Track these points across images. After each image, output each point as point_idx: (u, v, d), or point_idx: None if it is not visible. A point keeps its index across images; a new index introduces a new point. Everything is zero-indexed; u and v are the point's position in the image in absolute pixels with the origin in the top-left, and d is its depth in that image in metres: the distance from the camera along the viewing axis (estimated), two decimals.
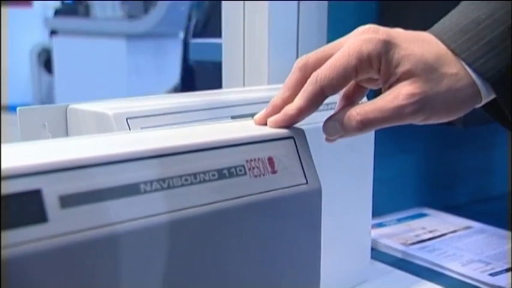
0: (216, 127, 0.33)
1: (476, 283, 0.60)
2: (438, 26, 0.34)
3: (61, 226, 0.25)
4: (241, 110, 0.47)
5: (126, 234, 0.26)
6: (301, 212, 0.33)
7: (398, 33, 0.33)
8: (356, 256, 0.60)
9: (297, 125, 0.34)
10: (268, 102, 0.37)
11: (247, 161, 0.31)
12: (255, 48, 0.65)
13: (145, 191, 0.28)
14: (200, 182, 0.29)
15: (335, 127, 0.34)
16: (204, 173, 0.30)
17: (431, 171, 0.85)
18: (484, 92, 0.33)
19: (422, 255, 0.66)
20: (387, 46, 0.32)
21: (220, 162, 0.30)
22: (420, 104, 0.32)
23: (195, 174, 0.29)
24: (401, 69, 0.32)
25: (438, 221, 0.77)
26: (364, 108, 0.33)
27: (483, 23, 0.32)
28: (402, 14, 0.76)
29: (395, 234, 0.73)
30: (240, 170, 0.31)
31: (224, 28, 0.69)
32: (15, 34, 5.24)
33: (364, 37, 0.32)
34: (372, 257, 0.66)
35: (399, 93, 0.32)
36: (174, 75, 3.47)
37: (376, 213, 0.77)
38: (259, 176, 0.31)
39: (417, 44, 0.33)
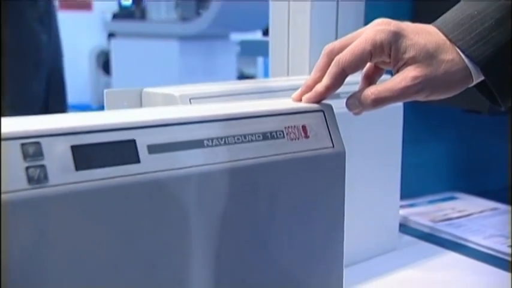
0: (263, 102, 0.43)
1: (495, 253, 0.67)
2: (440, 19, 0.42)
3: (149, 166, 0.34)
4: (285, 94, 0.55)
5: (192, 176, 0.36)
6: (328, 170, 0.42)
7: (406, 26, 0.41)
8: (385, 227, 0.68)
9: (326, 101, 0.43)
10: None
11: (285, 127, 0.40)
12: (298, 42, 0.73)
13: (208, 146, 0.37)
14: (249, 141, 0.38)
15: (354, 103, 0.42)
16: (252, 134, 0.39)
17: (463, 157, 0.92)
18: (475, 74, 0.40)
19: (448, 230, 0.73)
20: (396, 36, 0.40)
21: (264, 127, 0.39)
22: (423, 85, 0.40)
23: (245, 135, 0.38)
24: (407, 56, 0.40)
25: (467, 203, 0.84)
26: (377, 88, 0.41)
27: (475, 17, 0.40)
28: (436, 13, 0.83)
29: (425, 213, 0.80)
30: (280, 134, 0.40)
31: (271, 26, 0.78)
32: (75, 37, 5.50)
33: (378, 28, 0.40)
34: (402, 232, 0.74)
35: (406, 76, 0.40)
36: (224, 75, 3.58)
37: (409, 196, 0.85)
38: (295, 139, 0.40)
39: (421, 35, 0.40)
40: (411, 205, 0.82)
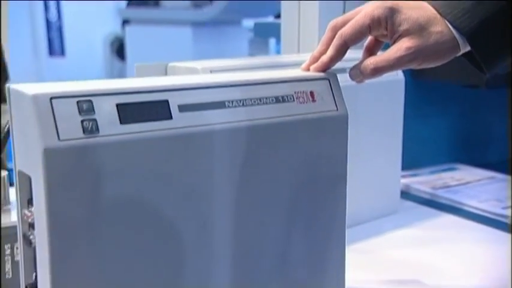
0: (275, 71, 0.49)
1: (489, 214, 0.73)
2: None
3: (179, 122, 0.41)
4: (295, 68, 0.62)
5: (215, 131, 0.42)
6: (332, 130, 0.48)
7: (402, 3, 0.47)
8: (386, 191, 0.74)
9: (331, 71, 0.49)
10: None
11: (295, 92, 0.46)
12: (308, 23, 0.79)
13: (229, 107, 0.43)
14: (264, 103, 0.45)
15: (356, 73, 0.48)
16: (266, 98, 0.45)
17: (463, 131, 0.97)
18: (462, 44, 0.46)
19: (446, 195, 0.79)
20: (392, 11, 0.46)
21: (277, 92, 0.46)
22: (415, 54, 0.46)
23: (260, 98, 0.45)
24: (402, 28, 0.46)
25: (466, 173, 0.89)
26: (376, 59, 0.47)
27: None
28: None
29: (426, 182, 0.86)
30: (290, 98, 0.46)
31: (283, 8, 0.84)
32: (90, 24, 5.58)
33: (376, 4, 0.46)
34: (403, 198, 0.80)
35: (400, 47, 0.46)
36: None
37: (412, 166, 0.91)
38: (303, 103, 0.47)
39: (414, 10, 0.46)
40: (413, 175, 0.88)
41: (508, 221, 0.71)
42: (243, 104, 0.44)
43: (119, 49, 5.83)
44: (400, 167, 0.75)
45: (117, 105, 0.39)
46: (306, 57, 0.70)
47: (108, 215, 0.38)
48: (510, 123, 0.94)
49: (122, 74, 5.71)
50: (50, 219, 0.37)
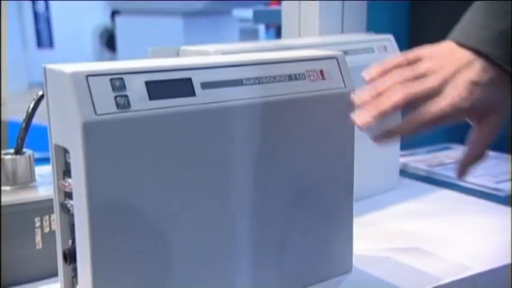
0: (287, 52, 0.52)
1: (482, 188, 0.77)
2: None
3: (202, 99, 0.44)
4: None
5: (234, 107, 0.45)
6: (340, 106, 0.51)
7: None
8: (386, 169, 0.78)
9: (336, 52, 0.52)
10: (318, 46, 0.55)
11: (306, 70, 0.50)
12: (308, 7, 0.83)
13: (246, 84, 0.46)
14: (278, 81, 0.48)
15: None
16: (280, 76, 0.48)
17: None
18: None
19: (442, 172, 0.83)
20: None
21: (290, 70, 0.49)
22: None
23: (274, 77, 0.48)
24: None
25: (460, 152, 0.93)
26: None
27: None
28: (431, 12, 0.90)
29: (423, 160, 0.90)
30: (302, 76, 0.49)
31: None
32: (78, 15, 5.56)
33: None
34: (402, 175, 0.84)
35: (492, 130, 0.51)
36: None
37: (410, 146, 0.95)
38: (314, 80, 0.50)
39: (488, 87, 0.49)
40: (411, 154, 0.92)
41: (502, 194, 0.75)
42: (258, 81, 0.47)
43: (108, 40, 5.81)
44: (399, 146, 0.79)
45: (146, 83, 0.42)
46: (308, 40, 0.74)
47: (139, 182, 0.42)
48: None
49: None
50: (89, 188, 0.40)
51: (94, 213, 0.40)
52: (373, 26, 0.87)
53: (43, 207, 0.52)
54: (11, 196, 0.53)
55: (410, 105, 0.49)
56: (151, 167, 0.42)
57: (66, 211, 0.44)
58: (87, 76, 0.40)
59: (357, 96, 0.50)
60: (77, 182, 0.41)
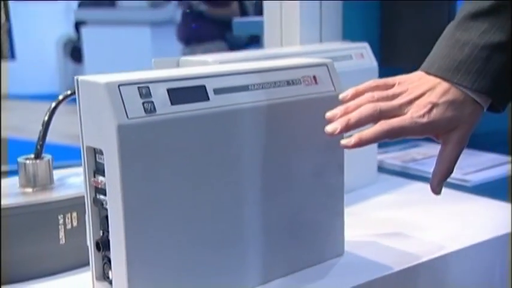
0: (286, 60, 0.59)
1: (452, 180, 0.85)
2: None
3: (215, 103, 0.50)
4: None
5: (242, 109, 0.52)
6: (331, 106, 0.58)
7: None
8: (366, 166, 0.85)
9: (326, 59, 0.59)
10: (302, 55, 0.62)
11: (302, 76, 0.56)
12: (290, 17, 0.90)
13: (251, 89, 0.53)
14: (278, 86, 0.55)
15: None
16: (280, 81, 0.55)
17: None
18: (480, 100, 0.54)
19: (415, 166, 0.91)
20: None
21: (288, 76, 0.56)
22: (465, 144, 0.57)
23: (275, 82, 0.55)
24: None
25: (429, 149, 1.02)
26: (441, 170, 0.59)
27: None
28: (401, 21, 0.98)
29: (397, 157, 0.98)
30: (298, 81, 0.56)
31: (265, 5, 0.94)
32: (40, 26, 5.51)
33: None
34: (379, 171, 0.91)
35: (453, 148, 0.57)
36: None
37: (383, 145, 1.03)
38: (309, 85, 0.57)
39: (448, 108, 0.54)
40: (385, 152, 1.00)
41: (469, 184, 0.84)
42: (262, 87, 0.54)
43: (73, 51, 5.77)
44: (377, 145, 0.87)
45: (168, 90, 0.48)
46: (292, 49, 0.81)
47: (164, 176, 0.48)
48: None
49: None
50: (123, 184, 0.45)
51: (127, 206, 0.46)
52: (348, 34, 0.95)
53: (65, 206, 0.57)
54: (34, 197, 0.58)
55: (376, 121, 0.54)
56: (174, 162, 0.48)
57: (99, 205, 0.49)
58: (119, 85, 0.46)
59: (330, 112, 0.54)
60: (111, 179, 0.46)
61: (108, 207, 0.47)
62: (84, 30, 4.17)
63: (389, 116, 0.54)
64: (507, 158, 0.93)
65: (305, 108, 0.56)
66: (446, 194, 0.82)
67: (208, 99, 0.50)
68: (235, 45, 2.93)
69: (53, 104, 0.61)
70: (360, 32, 0.96)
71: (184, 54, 2.96)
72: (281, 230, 0.56)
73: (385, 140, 0.54)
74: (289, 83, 0.56)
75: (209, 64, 0.66)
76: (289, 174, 0.56)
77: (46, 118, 0.61)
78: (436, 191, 0.59)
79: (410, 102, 0.55)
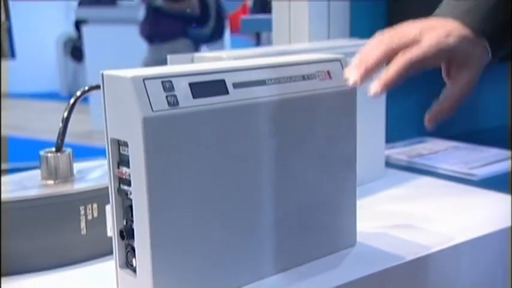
0: (300, 56, 0.60)
1: (458, 174, 0.87)
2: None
3: (234, 97, 0.52)
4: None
5: (259, 103, 0.53)
6: (344, 101, 0.60)
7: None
8: (374, 160, 0.87)
9: (339, 55, 0.61)
10: (312, 51, 0.63)
11: (316, 71, 0.58)
12: (298, 14, 0.91)
13: (268, 84, 0.55)
14: (294, 81, 0.56)
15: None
16: (296, 76, 0.57)
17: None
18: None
19: (421, 161, 0.93)
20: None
21: (303, 71, 0.57)
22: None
23: (291, 77, 0.56)
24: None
25: (434, 144, 1.04)
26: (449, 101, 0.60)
27: None
28: (408, 9, 1.00)
29: (403, 152, 1.00)
30: (313, 76, 0.58)
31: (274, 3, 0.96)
32: (40, 25, 5.52)
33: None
34: (386, 166, 0.93)
35: (462, 85, 0.59)
36: None
37: (389, 141, 1.04)
38: (323, 79, 0.58)
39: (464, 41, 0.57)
40: (391, 147, 1.02)
41: (475, 178, 0.85)
42: (278, 81, 0.55)
43: (73, 50, 5.78)
44: (384, 140, 0.88)
45: (190, 84, 0.50)
46: (299, 46, 0.83)
47: (187, 166, 0.49)
48: (510, 97, 1.09)
49: (76, 75, 5.68)
50: (148, 174, 0.47)
51: (152, 195, 0.47)
52: (355, 32, 0.96)
53: (86, 197, 0.59)
54: (56, 188, 0.60)
55: (394, 56, 0.56)
56: (195, 153, 0.50)
57: (123, 195, 0.51)
58: (144, 79, 0.47)
59: (347, 68, 0.57)
60: (136, 169, 0.48)
61: (132, 197, 0.49)
62: (85, 29, 4.18)
63: (406, 48, 0.55)
64: (508, 153, 0.95)
65: (319, 103, 0.58)
66: (453, 187, 0.84)
67: (228, 93, 0.52)
68: (199, 41, 2.88)
69: (72, 100, 0.63)
70: (367, 29, 0.97)
71: (150, 52, 2.91)
72: (295, 220, 0.58)
73: (409, 73, 0.55)
74: (304, 77, 0.57)
75: (224, 59, 0.68)
76: (304, 166, 0.58)
77: (65, 114, 0.62)
78: (430, 122, 0.61)
79: (425, 32, 0.56)
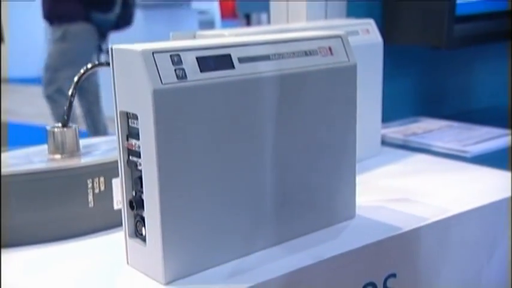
0: (304, 33, 0.62)
1: (453, 152, 0.89)
2: None
3: (239, 71, 0.53)
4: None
5: (264, 77, 0.55)
6: (346, 77, 0.61)
7: None
8: (371, 138, 0.89)
9: (340, 32, 0.63)
10: (309, 30, 0.65)
11: (318, 47, 0.60)
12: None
13: (273, 59, 0.56)
14: (296, 56, 0.58)
15: None
16: (299, 52, 0.58)
17: (424, 89, 1.14)
18: None
19: (416, 139, 0.95)
20: None
21: (305, 47, 0.59)
22: None
23: (294, 52, 0.58)
24: None
25: (428, 123, 1.06)
26: None
27: None
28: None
29: (398, 131, 1.02)
30: (315, 52, 0.59)
31: None
32: (29, 9, 5.46)
33: None
34: (382, 144, 0.95)
35: None
36: None
37: (384, 121, 1.06)
38: (325, 55, 0.60)
39: None
40: (386, 127, 1.03)
41: (468, 155, 0.88)
42: (282, 57, 0.57)
43: None
44: (381, 118, 0.90)
45: (197, 58, 0.51)
46: (299, 25, 0.84)
47: (194, 138, 0.51)
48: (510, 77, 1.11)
49: None
50: (157, 145, 0.48)
51: (161, 166, 0.49)
52: (352, 12, 0.98)
53: (93, 171, 0.60)
54: (63, 162, 0.61)
55: None
56: (202, 126, 0.51)
57: (132, 166, 0.52)
58: (153, 53, 0.49)
59: None
60: (146, 141, 0.49)
61: (142, 168, 0.51)
62: None
63: None
64: (506, 131, 0.97)
65: (321, 78, 0.60)
66: (447, 164, 0.86)
67: (234, 67, 0.53)
68: (103, 27, 2.75)
69: (76, 78, 0.64)
70: (363, 10, 0.99)
71: (51, 36, 2.73)
72: (296, 193, 0.60)
73: None
74: (306, 53, 0.59)
75: (226, 37, 0.69)
76: (305, 140, 0.60)
77: (70, 91, 0.63)
78: None
79: None
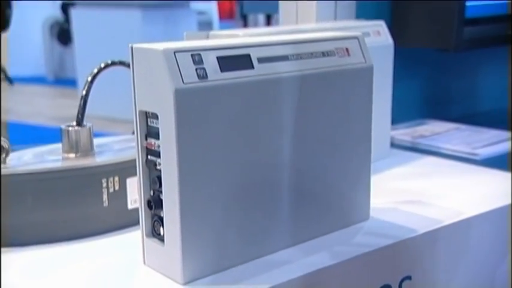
0: (321, 34, 0.62)
1: (462, 154, 0.89)
2: None
3: (258, 71, 0.53)
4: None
5: (282, 77, 0.55)
6: (362, 78, 0.61)
7: None
8: (380, 140, 0.89)
9: (357, 33, 0.62)
10: (323, 31, 0.64)
11: (335, 48, 0.59)
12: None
13: (291, 59, 0.56)
14: (314, 57, 0.58)
15: None
16: (316, 52, 0.58)
17: (431, 91, 1.14)
18: None
19: (424, 142, 0.95)
20: None
21: (323, 48, 0.58)
22: None
23: (311, 53, 0.57)
24: None
25: (436, 126, 1.06)
26: None
27: None
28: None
29: (406, 133, 1.02)
30: (332, 53, 0.59)
31: None
32: (26, 7, 5.44)
33: None
34: (390, 146, 0.95)
35: None
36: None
37: (391, 122, 1.06)
38: (342, 56, 0.60)
39: None
40: (394, 129, 1.03)
41: (478, 158, 0.88)
42: (300, 57, 0.57)
43: (59, 33, 5.70)
44: (390, 120, 0.90)
45: (218, 58, 0.51)
46: (311, 26, 0.84)
47: (215, 138, 0.50)
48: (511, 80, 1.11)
49: (62, 59, 5.62)
50: (178, 145, 0.48)
51: (181, 166, 0.48)
52: (361, 13, 0.98)
53: (108, 170, 0.60)
54: (78, 161, 0.61)
55: None
56: (222, 125, 0.51)
57: (151, 166, 0.52)
58: (175, 52, 0.48)
59: None
60: (166, 140, 0.49)
61: (161, 167, 0.50)
62: (73, 12, 4.13)
63: None
64: (508, 134, 0.98)
65: (338, 79, 0.59)
66: (457, 166, 0.86)
67: (253, 67, 0.53)
68: None
69: (89, 78, 0.64)
70: (371, 12, 0.99)
71: None
72: (313, 193, 0.59)
73: None
74: (324, 54, 0.59)
75: (240, 37, 0.69)
76: (322, 141, 0.59)
77: (84, 92, 0.63)
78: None
79: None
